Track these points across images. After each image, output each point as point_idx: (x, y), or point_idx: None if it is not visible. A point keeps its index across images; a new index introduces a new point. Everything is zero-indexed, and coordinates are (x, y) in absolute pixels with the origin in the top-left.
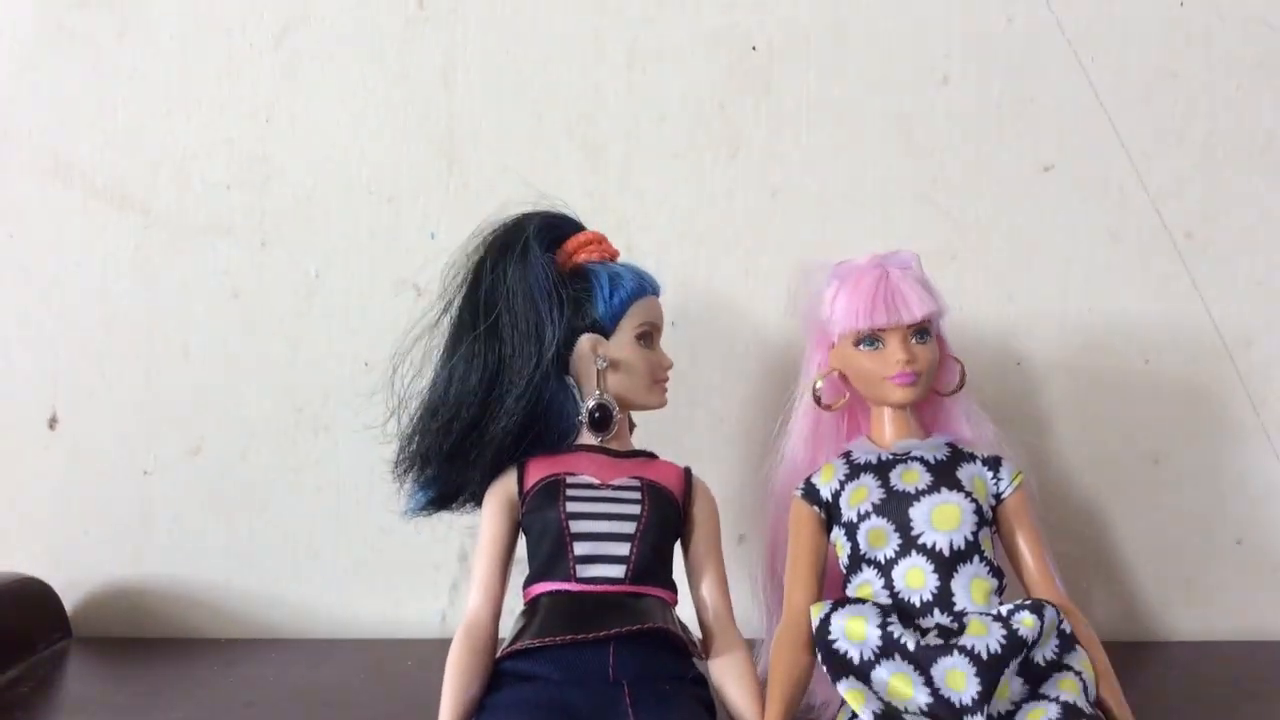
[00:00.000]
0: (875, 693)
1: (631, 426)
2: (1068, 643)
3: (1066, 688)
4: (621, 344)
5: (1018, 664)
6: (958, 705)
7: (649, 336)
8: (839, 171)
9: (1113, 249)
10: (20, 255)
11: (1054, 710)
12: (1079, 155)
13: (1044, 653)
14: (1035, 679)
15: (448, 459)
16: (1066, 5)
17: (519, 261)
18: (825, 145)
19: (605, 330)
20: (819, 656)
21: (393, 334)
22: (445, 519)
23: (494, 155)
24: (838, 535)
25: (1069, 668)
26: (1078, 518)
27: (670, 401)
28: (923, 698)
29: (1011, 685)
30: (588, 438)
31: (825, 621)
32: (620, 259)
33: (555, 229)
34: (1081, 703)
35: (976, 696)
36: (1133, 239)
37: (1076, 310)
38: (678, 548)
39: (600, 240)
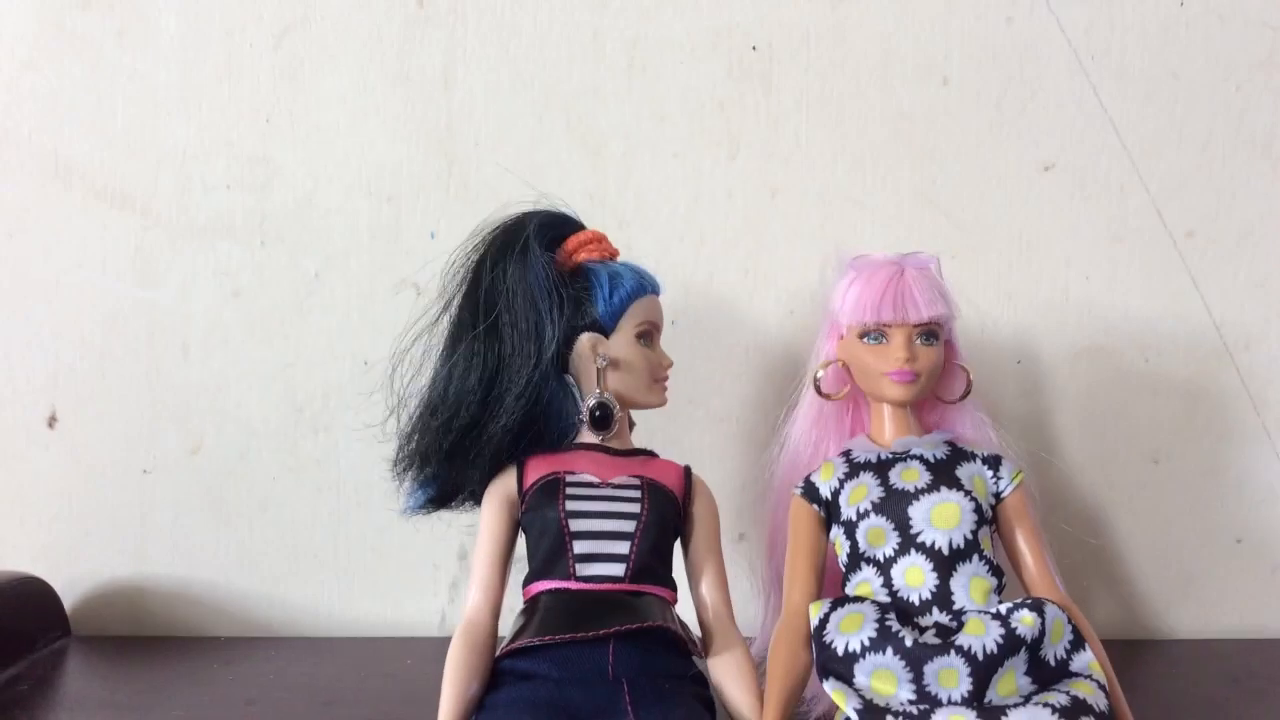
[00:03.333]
0: (857, 692)
1: (631, 425)
2: (1078, 642)
3: (1081, 689)
4: (621, 343)
5: (1026, 662)
6: (945, 701)
7: (649, 335)
8: (839, 171)
9: (1113, 249)
10: (20, 255)
11: (1063, 699)
12: (1079, 155)
13: (1055, 651)
14: (1044, 679)
15: (447, 457)
16: (1066, 5)
17: (518, 260)
18: (825, 145)
19: (605, 329)
20: (814, 652)
21: (393, 334)
22: (445, 518)
23: (494, 155)
24: (837, 534)
25: (1081, 674)
26: (1078, 517)
27: (671, 401)
28: (905, 694)
29: (1019, 683)
30: (588, 436)
31: (824, 620)
32: (620, 258)
33: (556, 228)
34: (1094, 700)
35: (968, 694)
36: (1133, 239)
37: (1076, 310)
38: (678, 547)
39: (600, 239)
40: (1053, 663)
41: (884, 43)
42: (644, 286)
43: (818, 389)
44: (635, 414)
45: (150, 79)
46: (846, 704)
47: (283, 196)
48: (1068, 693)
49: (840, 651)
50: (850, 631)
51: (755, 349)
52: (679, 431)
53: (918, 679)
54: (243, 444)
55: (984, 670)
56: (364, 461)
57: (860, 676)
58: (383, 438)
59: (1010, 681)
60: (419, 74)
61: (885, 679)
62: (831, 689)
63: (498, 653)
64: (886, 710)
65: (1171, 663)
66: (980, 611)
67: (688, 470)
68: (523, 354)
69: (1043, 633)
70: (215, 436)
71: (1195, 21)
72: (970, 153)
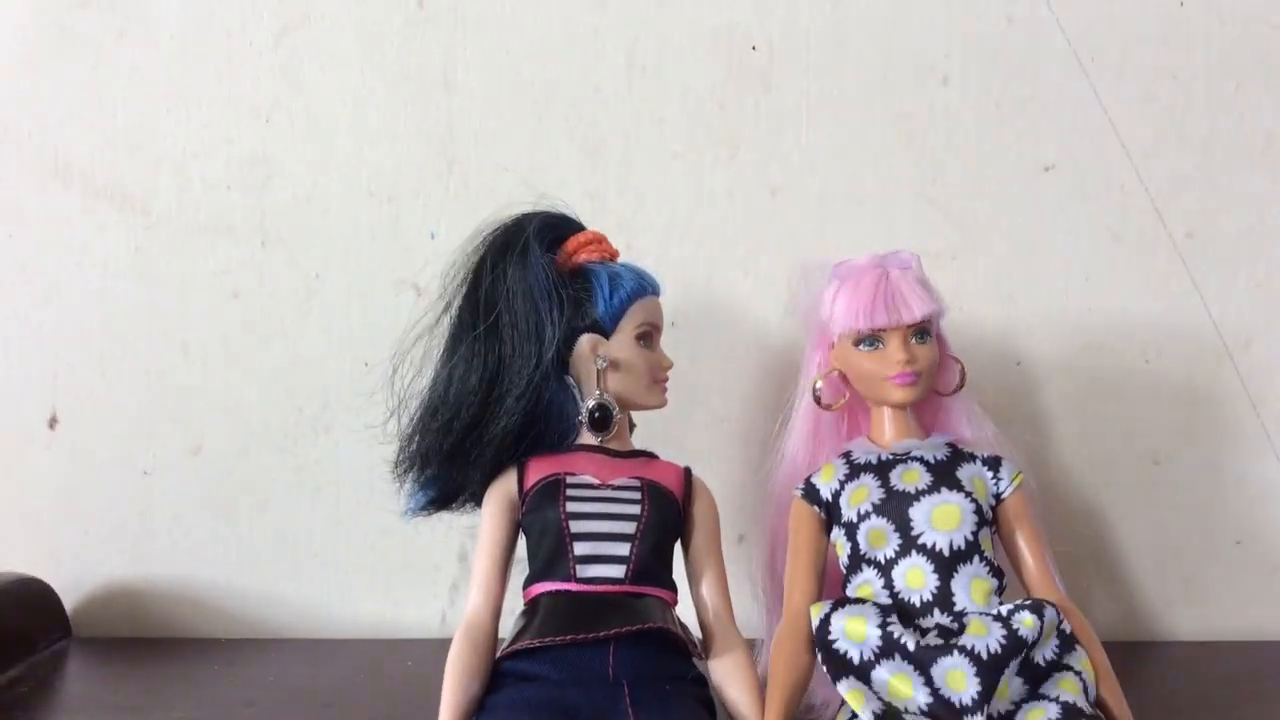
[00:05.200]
0: (875, 693)
1: (631, 426)
2: (1068, 642)
3: (1066, 688)
4: (621, 344)
5: (1018, 664)
6: (958, 705)
7: (649, 336)
8: (839, 171)
9: (1113, 249)
10: (20, 255)
11: (1054, 710)
12: (1079, 155)
13: (1044, 653)
14: (1035, 679)
15: (448, 459)
16: (1066, 5)
17: (519, 261)
18: (825, 145)
19: (605, 330)
20: (819, 656)
21: (393, 334)
22: (445, 519)
23: (494, 155)
24: (838, 535)
25: (1069, 667)
26: (1078, 518)
27: (671, 401)
28: (923, 698)
29: (1011, 685)
30: (588, 437)
31: (825, 621)
32: (620, 259)
33: (555, 229)
34: (1082, 703)
35: (976, 696)
36: (1133, 239)
37: (1076, 310)
38: (678, 548)
39: (600, 240)
40: (1042, 664)
41: (884, 43)
42: (644, 288)
43: (818, 400)
44: (635, 414)
45: (150, 78)
46: (864, 706)
47: (283, 196)
48: (1056, 699)
49: (855, 660)
50: (857, 640)
51: (755, 349)
52: (679, 431)
53: (929, 682)
54: (243, 444)
55: (990, 671)
56: (364, 462)
57: (877, 680)
58: (383, 438)
59: (1005, 685)
60: (419, 74)
61: (902, 680)
62: (848, 689)
63: (498, 654)
64: (904, 713)
65: (1171, 664)
66: (981, 613)
67: (688, 471)
68: (523, 355)
69: (1040, 634)
70: (215, 437)
71: (1195, 21)
72: (970, 153)
